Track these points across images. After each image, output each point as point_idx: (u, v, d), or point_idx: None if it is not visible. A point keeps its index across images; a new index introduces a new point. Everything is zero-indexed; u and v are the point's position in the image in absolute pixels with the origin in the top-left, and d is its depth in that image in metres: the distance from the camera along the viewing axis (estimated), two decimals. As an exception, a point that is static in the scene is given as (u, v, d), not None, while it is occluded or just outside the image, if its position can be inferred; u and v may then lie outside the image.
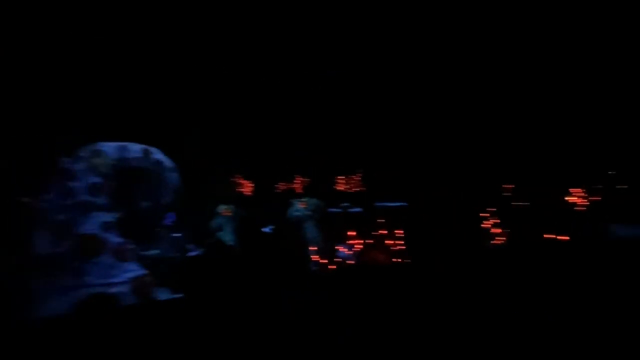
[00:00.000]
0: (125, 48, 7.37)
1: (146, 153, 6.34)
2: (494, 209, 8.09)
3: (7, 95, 6.66)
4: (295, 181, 11.94)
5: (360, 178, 11.60)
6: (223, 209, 9.80)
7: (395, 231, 7.85)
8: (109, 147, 6.03)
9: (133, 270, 5.70)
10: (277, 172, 12.01)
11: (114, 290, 5.37)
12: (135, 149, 6.27)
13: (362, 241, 7.66)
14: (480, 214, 7.96)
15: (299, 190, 11.68)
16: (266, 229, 9.45)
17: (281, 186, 12.14)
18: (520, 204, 8.36)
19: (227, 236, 9.30)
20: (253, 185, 12.08)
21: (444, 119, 9.38)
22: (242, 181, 12.28)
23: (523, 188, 8.64)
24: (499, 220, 7.92)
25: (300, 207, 9.43)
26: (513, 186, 8.83)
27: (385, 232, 7.92)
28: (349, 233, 8.06)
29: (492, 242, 7.64)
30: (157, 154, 6.55)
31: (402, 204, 9.01)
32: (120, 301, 5.39)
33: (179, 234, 8.99)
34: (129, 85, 7.83)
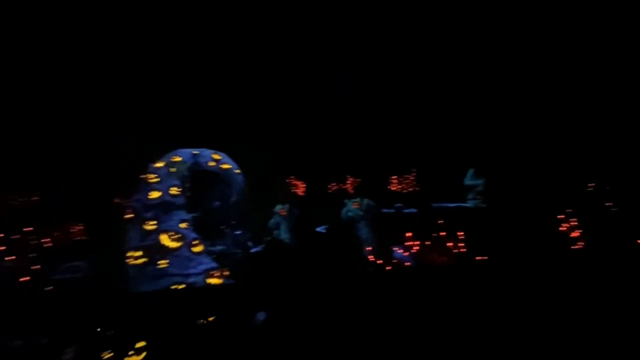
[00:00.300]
0: (201, 74, 8.46)
1: (216, 158, 7.04)
2: (572, 210, 7.25)
3: (96, 112, 7.97)
4: (347, 181, 12.03)
5: (414, 177, 11.26)
6: (279, 208, 10.29)
7: (455, 232, 7.51)
8: (185, 154, 6.85)
9: (206, 263, 6.36)
10: (329, 173, 12.22)
11: (191, 280, 6.06)
12: (206, 154, 7.01)
13: (419, 242, 7.45)
14: (558, 216, 7.18)
15: (352, 191, 11.74)
16: (320, 229, 9.69)
17: (334, 186, 12.31)
18: (605, 204, 7.36)
19: (283, 234, 9.76)
20: (307, 185, 12.45)
21: (515, 113, 8.62)
22: (296, 182, 12.74)
23: (609, 186, 7.60)
24: (577, 223, 7.08)
25: (353, 207, 9.46)
26: (595, 184, 7.81)
27: (444, 233, 7.62)
28: (406, 234, 7.89)
29: (570, 246, 6.88)
30: (225, 158, 7.22)
31: (461, 204, 8.54)
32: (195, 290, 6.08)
33: (240, 232, 9.67)
34: (201, 100, 8.87)
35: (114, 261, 7.05)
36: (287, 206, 10.36)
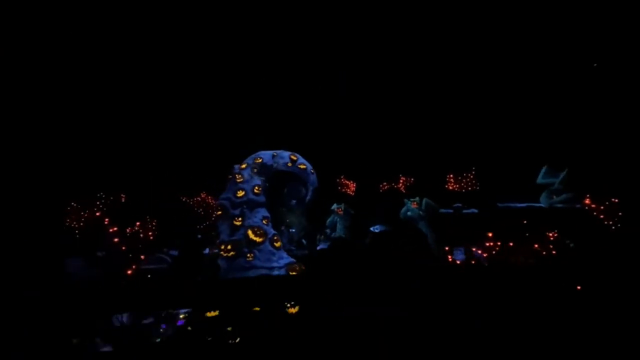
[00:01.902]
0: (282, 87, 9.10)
1: (293, 159, 7.43)
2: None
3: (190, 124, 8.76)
4: (405, 181, 11.98)
5: (473, 176, 10.96)
6: (336, 207, 10.54)
7: (525, 234, 7.28)
8: (266, 155, 7.32)
9: (285, 258, 6.77)
10: (385, 172, 12.23)
11: (275, 273, 6.48)
12: (284, 155, 7.43)
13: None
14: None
15: (409, 190, 11.68)
16: (373, 228, 9.81)
17: (389, 185, 12.31)
18: None
19: (340, 233, 10.00)
20: (361, 185, 12.56)
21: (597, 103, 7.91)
22: (347, 181, 12.90)
23: None
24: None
25: (412, 207, 9.45)
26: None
27: (515, 235, 7.41)
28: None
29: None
30: (300, 159, 7.59)
31: (532, 204, 8.19)
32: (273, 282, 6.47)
33: (294, 229, 10.04)
34: (278, 110, 9.44)
35: (194, 254, 7.69)
36: (342, 205, 10.60)
